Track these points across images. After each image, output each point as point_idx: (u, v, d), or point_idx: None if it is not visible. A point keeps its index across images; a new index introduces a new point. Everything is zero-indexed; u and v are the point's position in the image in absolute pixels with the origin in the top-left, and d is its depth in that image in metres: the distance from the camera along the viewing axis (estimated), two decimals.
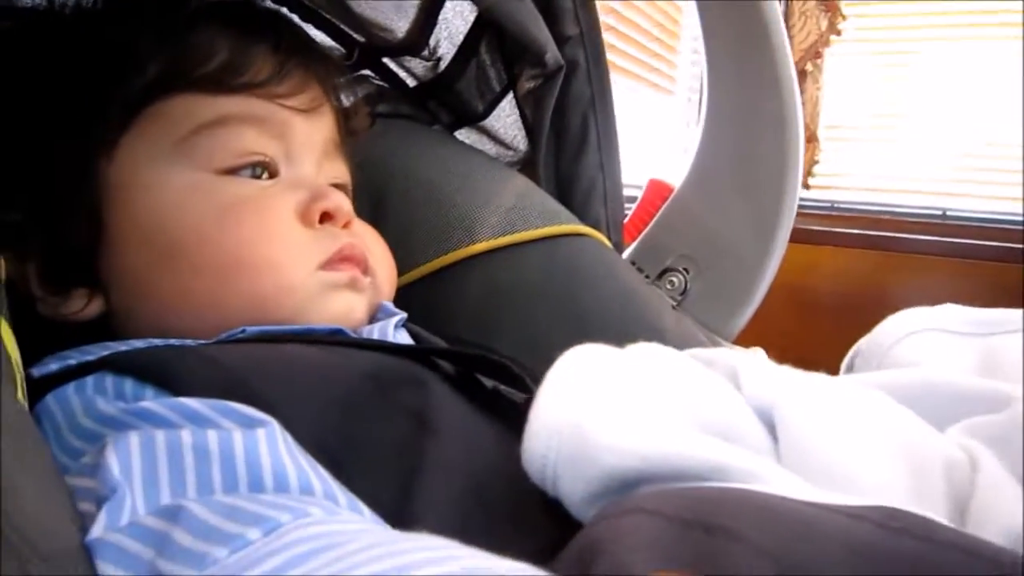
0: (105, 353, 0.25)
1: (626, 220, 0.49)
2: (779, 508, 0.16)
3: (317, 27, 0.50)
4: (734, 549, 0.14)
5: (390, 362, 0.28)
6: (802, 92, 3.38)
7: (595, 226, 0.47)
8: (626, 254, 0.48)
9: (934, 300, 0.30)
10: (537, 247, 0.43)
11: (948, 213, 2.00)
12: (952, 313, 0.28)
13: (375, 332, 0.32)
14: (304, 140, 0.34)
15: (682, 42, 2.70)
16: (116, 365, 0.24)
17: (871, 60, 2.66)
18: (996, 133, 2.06)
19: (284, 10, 0.47)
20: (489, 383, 0.28)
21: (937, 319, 0.27)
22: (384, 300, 0.36)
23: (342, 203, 0.33)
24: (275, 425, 0.21)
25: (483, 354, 0.29)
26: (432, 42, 0.50)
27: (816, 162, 3.24)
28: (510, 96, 0.51)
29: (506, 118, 0.52)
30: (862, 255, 2.08)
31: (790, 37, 3.12)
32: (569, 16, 0.46)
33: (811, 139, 3.24)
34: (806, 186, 3.28)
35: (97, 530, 0.17)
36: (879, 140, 2.61)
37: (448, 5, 0.48)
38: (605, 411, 0.20)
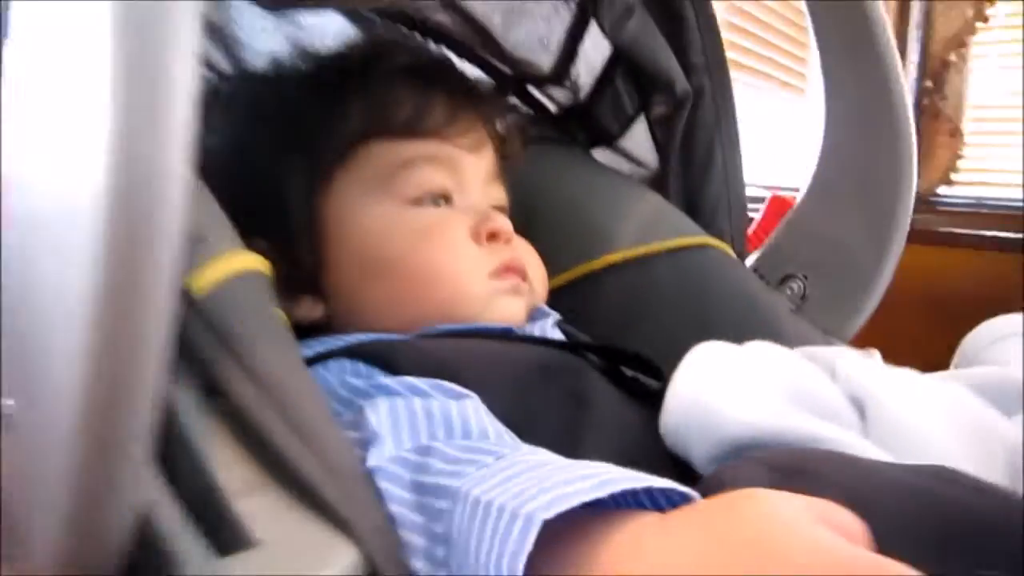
0: (341, 344, 0.33)
1: (750, 231, 0.53)
2: (855, 462, 0.22)
3: (469, 62, 0.58)
4: (816, 485, 0.19)
5: (552, 354, 0.34)
6: (945, 83, 3.22)
7: (720, 237, 0.52)
8: (749, 262, 0.53)
9: None
10: (668, 257, 0.49)
11: None
12: None
13: (536, 330, 0.39)
14: (472, 172, 0.41)
15: (812, 39, 2.63)
16: (352, 352, 0.32)
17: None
18: None
19: (444, 48, 0.55)
20: (630, 373, 0.34)
21: None
22: (539, 303, 0.42)
23: (504, 223, 0.40)
24: (476, 398, 0.28)
25: (625, 349, 0.35)
26: (573, 73, 0.56)
27: (960, 157, 3.07)
28: (642, 118, 0.57)
29: (639, 138, 0.58)
30: (1010, 259, 1.96)
31: (932, 26, 2.97)
32: (696, 47, 0.51)
33: (954, 133, 3.07)
34: (949, 182, 3.12)
35: (371, 460, 0.24)
36: None
37: (588, 42, 0.54)
38: (726, 392, 0.26)
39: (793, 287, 0.50)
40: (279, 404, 0.23)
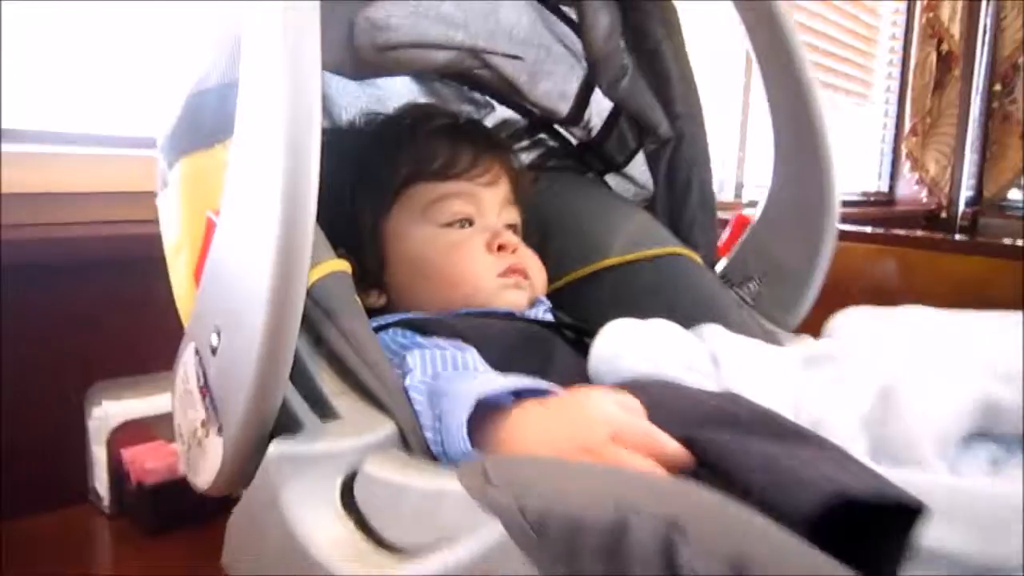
0: (394, 319, 0.50)
1: (721, 243, 0.68)
2: (676, 386, 0.37)
3: (508, 107, 0.74)
4: (641, 393, 0.35)
5: (535, 329, 0.51)
6: (1015, 86, 3.19)
7: (695, 248, 0.66)
8: (719, 267, 0.67)
9: None
10: (648, 263, 0.64)
11: None
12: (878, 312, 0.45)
13: (532, 314, 0.55)
14: (488, 201, 0.58)
15: (879, 47, 2.69)
16: (401, 324, 0.49)
17: None
18: None
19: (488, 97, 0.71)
20: (589, 340, 0.50)
21: (861, 314, 0.45)
22: (539, 295, 0.59)
23: (511, 239, 0.57)
24: (475, 351, 0.44)
25: (583, 324, 0.52)
26: (586, 117, 0.72)
27: None
28: (642, 151, 0.72)
29: (640, 167, 0.73)
30: None
31: (1001, 29, 2.95)
32: (678, 100, 0.66)
33: None
34: (1019, 187, 3.10)
35: (407, 381, 0.41)
36: None
37: (597, 94, 0.70)
38: (624, 349, 0.41)
39: (751, 287, 0.65)
40: (356, 348, 0.39)
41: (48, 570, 0.66)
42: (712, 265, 0.67)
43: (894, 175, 2.94)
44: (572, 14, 0.66)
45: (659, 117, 0.66)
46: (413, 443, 0.37)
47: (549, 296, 0.64)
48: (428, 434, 0.37)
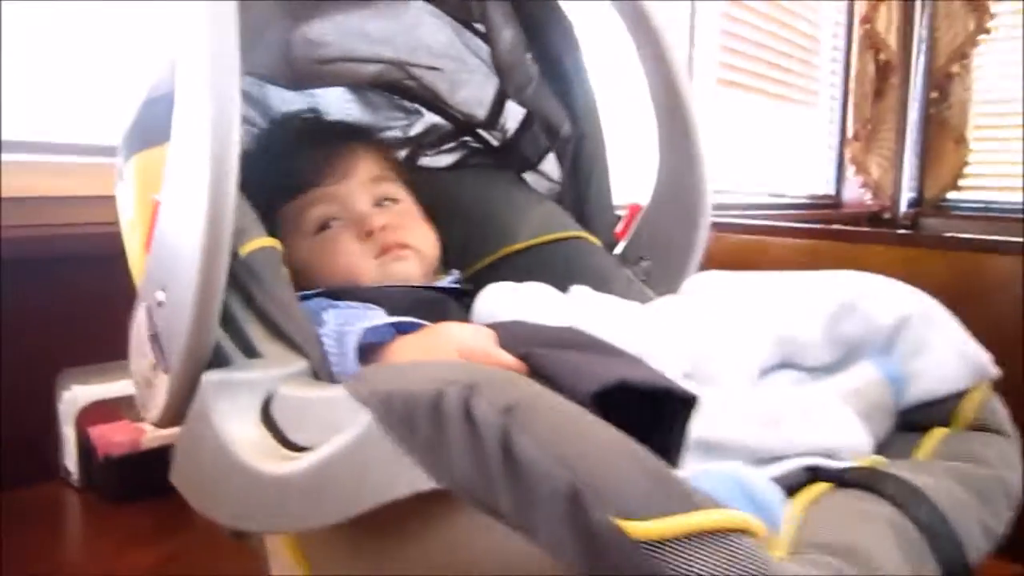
0: (315, 292, 0.58)
1: (619, 228, 0.77)
2: (527, 323, 0.46)
3: (434, 113, 0.83)
4: (496, 327, 0.44)
5: (433, 294, 0.60)
6: (950, 95, 3.35)
7: (595, 233, 0.76)
8: (618, 249, 0.77)
9: None
10: (552, 245, 0.73)
11: None
12: None
13: (438, 283, 0.64)
14: (347, 194, 0.65)
15: (821, 56, 2.83)
16: (322, 294, 0.57)
17: None
18: None
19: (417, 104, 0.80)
20: None
21: None
22: (429, 261, 0.66)
23: (376, 222, 0.63)
24: (381, 311, 0.53)
25: (473, 289, 0.61)
26: (501, 121, 0.81)
27: (966, 163, 3.19)
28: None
29: (552, 164, 0.82)
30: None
31: (936, 39, 3.10)
32: (578, 102, 0.76)
33: (959, 140, 3.20)
34: (956, 188, 3.24)
35: (320, 330, 0.49)
36: None
37: (510, 101, 0.79)
38: (495, 306, 0.51)
39: (643, 265, 0.74)
40: (278, 306, 0.48)
41: (24, 539, 0.74)
42: (611, 247, 0.76)
43: (840, 179, 3.07)
44: (484, 30, 0.75)
45: (562, 118, 0.76)
46: (323, 377, 0.46)
47: (468, 279, 0.74)
48: (335, 368, 0.46)
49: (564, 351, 0.39)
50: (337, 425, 0.37)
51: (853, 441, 0.42)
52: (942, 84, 3.09)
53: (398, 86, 0.79)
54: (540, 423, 0.28)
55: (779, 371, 0.50)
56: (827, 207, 2.96)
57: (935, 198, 3.21)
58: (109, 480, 0.82)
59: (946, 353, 0.48)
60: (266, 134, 0.72)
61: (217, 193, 0.41)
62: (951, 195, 3.21)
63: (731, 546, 0.26)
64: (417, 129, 0.84)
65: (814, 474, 0.41)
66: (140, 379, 0.48)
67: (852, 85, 2.92)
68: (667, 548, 0.26)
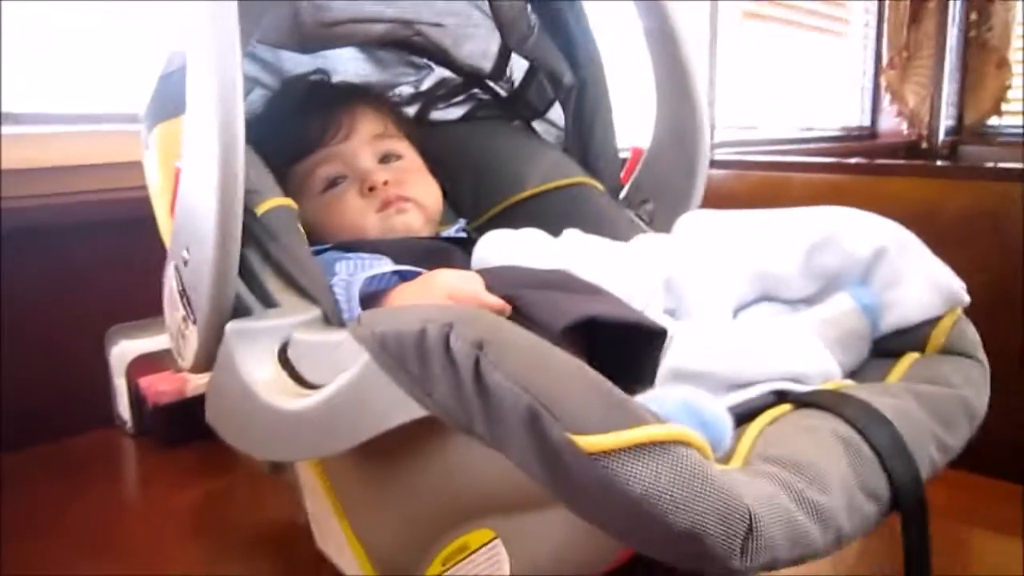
0: (329, 245, 0.63)
1: (623, 172, 0.80)
2: (516, 267, 0.50)
3: (444, 67, 0.86)
4: (485, 273, 0.48)
5: (439, 243, 0.63)
6: (992, 15, 3.25)
7: (600, 178, 0.79)
8: (623, 193, 0.80)
9: None
10: (557, 191, 0.77)
11: None
12: None
13: (444, 233, 0.68)
14: (352, 152, 0.69)
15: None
16: (335, 247, 0.62)
17: None
18: None
19: (422, 63, 0.83)
20: None
21: None
22: (430, 213, 0.69)
23: (380, 176, 0.66)
24: (388, 259, 0.57)
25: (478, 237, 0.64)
26: (508, 72, 0.84)
27: (1008, 87, 3.09)
28: None
29: (559, 113, 0.85)
30: None
31: None
32: (579, 51, 0.78)
33: (1001, 64, 3.10)
34: (998, 114, 3.15)
35: (331, 280, 0.54)
36: None
37: (514, 55, 0.81)
38: (494, 250, 0.54)
39: (647, 208, 0.77)
40: (293, 259, 0.53)
41: (87, 481, 0.82)
42: (616, 191, 0.79)
43: (875, 109, 3.00)
44: None
45: (563, 68, 0.78)
46: (333, 322, 0.50)
47: (480, 227, 0.77)
48: (344, 314, 0.50)
49: (545, 291, 0.43)
50: (342, 364, 0.41)
51: (820, 367, 0.46)
52: (983, 5, 2.98)
53: (406, 43, 0.82)
54: (506, 354, 0.32)
55: (760, 304, 0.53)
56: (862, 138, 2.90)
57: (975, 125, 3.12)
58: (159, 426, 0.89)
59: (920, 282, 0.51)
60: (274, 99, 0.76)
61: (226, 159, 0.45)
62: (992, 121, 3.11)
63: (672, 455, 0.30)
64: (428, 83, 0.87)
65: (782, 397, 0.44)
66: (174, 331, 0.54)
67: (887, 12, 2.83)
68: (615, 458, 0.30)
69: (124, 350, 0.92)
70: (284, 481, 0.66)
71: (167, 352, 0.93)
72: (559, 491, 0.32)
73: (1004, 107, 3.04)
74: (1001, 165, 1.61)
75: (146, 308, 0.90)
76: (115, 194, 0.95)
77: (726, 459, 0.37)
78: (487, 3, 0.78)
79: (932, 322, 0.51)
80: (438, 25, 0.79)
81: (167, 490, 0.82)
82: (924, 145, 2.92)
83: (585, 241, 0.56)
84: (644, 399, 0.33)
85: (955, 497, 0.76)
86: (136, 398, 0.91)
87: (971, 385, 0.47)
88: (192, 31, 0.47)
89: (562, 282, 0.46)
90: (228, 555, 0.68)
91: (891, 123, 2.92)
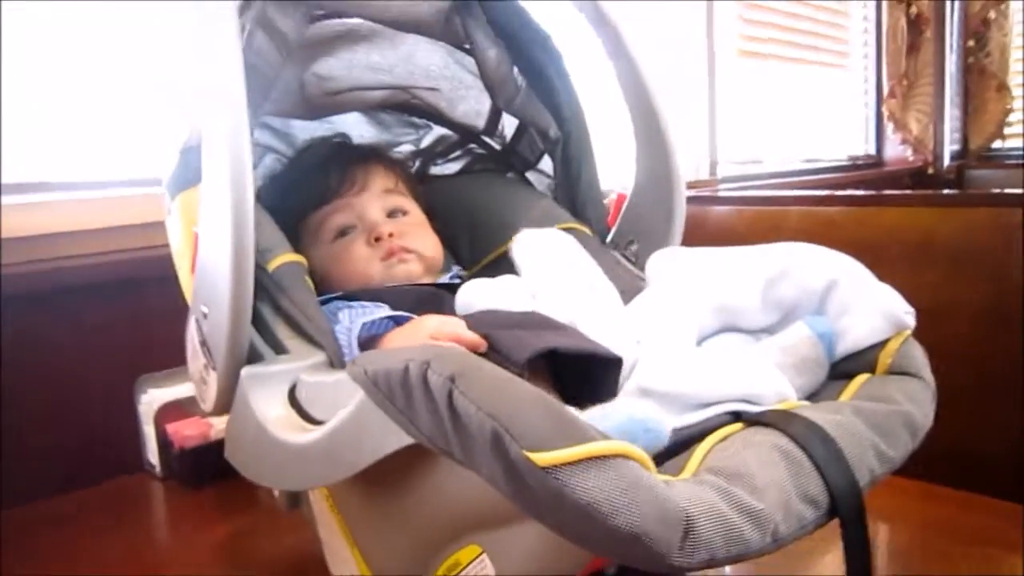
0: (335, 295, 0.69)
1: (609, 216, 0.86)
2: (495, 311, 0.55)
3: (441, 126, 0.93)
4: (467, 318, 0.53)
5: (433, 291, 0.69)
6: (988, 40, 3.30)
7: (587, 223, 0.85)
8: (610, 236, 0.85)
9: None
10: None
11: None
12: None
13: (441, 279, 0.74)
14: (363, 205, 0.75)
15: (850, 16, 2.82)
16: (338, 297, 0.68)
17: None
18: None
19: (421, 123, 0.90)
20: None
21: None
22: (430, 263, 0.75)
23: (383, 229, 0.72)
24: (387, 307, 0.63)
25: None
26: (499, 128, 0.90)
27: (1010, 110, 3.13)
28: None
29: (549, 163, 0.91)
30: None
31: None
32: (564, 106, 0.84)
33: (1001, 88, 3.13)
34: (1002, 137, 3.18)
35: (336, 328, 0.59)
36: None
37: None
38: (476, 296, 0.60)
39: (632, 248, 0.83)
40: (301, 310, 0.59)
41: (119, 522, 0.88)
42: (604, 234, 0.85)
43: (880, 137, 3.05)
44: None
45: (549, 122, 0.84)
46: (337, 365, 0.56)
47: (476, 273, 0.83)
48: (346, 357, 0.56)
49: (514, 330, 0.48)
50: (342, 401, 0.47)
51: (774, 389, 0.51)
52: (978, 30, 3.04)
53: (405, 106, 0.89)
54: (474, 385, 0.38)
55: (723, 334, 0.58)
56: (869, 167, 2.94)
57: (980, 149, 3.15)
58: (185, 469, 0.95)
59: (869, 310, 0.56)
60: (297, 156, 0.83)
61: (239, 227, 0.52)
62: (996, 144, 3.14)
63: (615, 467, 0.35)
64: (427, 141, 0.94)
65: (736, 417, 0.49)
66: (196, 378, 0.60)
67: (885, 42, 2.89)
68: (565, 471, 0.35)
69: (152, 398, 0.99)
70: (300, 515, 0.71)
71: (191, 399, 1.00)
72: (522, 503, 0.37)
73: (1007, 130, 3.07)
74: (995, 191, 1.65)
75: (160, 359, 0.97)
76: (118, 255, 1.03)
77: (678, 472, 0.42)
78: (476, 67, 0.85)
79: (881, 345, 0.55)
80: (433, 89, 0.86)
81: (193, 528, 0.88)
82: (930, 171, 2.96)
83: (558, 288, 0.62)
84: (593, 413, 0.39)
85: (956, 516, 0.79)
86: (164, 443, 0.97)
87: (913, 401, 0.51)
88: (205, 111, 0.54)
89: (532, 321, 0.51)
90: None
91: (896, 150, 2.96)
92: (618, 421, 0.38)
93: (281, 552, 0.79)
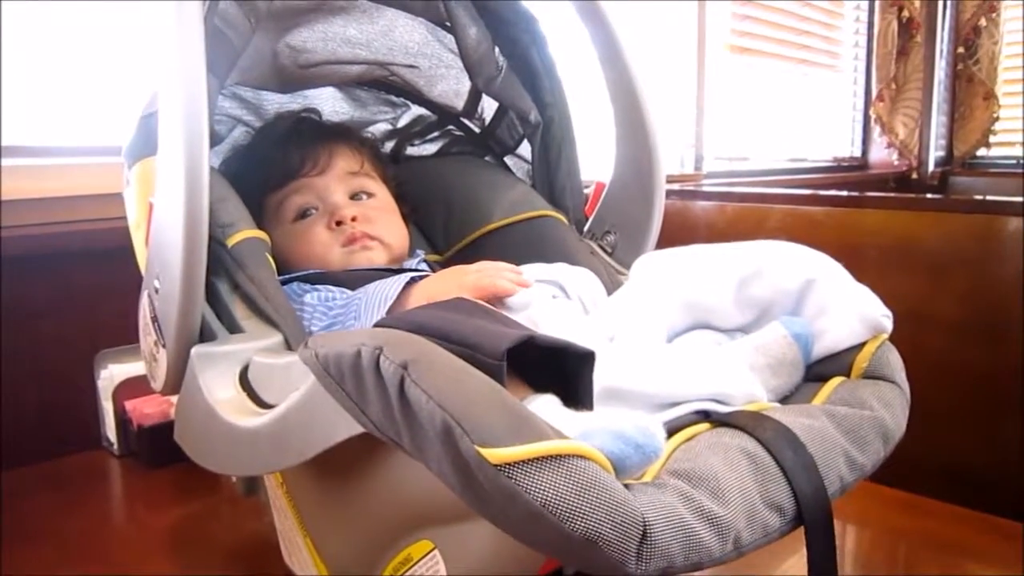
0: (295, 275, 0.66)
1: (587, 205, 0.84)
2: (474, 304, 0.53)
3: (419, 105, 0.90)
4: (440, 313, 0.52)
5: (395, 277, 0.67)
6: (978, 48, 3.31)
7: (564, 211, 0.83)
8: (587, 225, 0.83)
9: None
10: (523, 223, 0.80)
11: None
12: None
13: (406, 265, 0.71)
14: (325, 186, 0.72)
15: (843, 18, 2.81)
16: (299, 279, 0.65)
17: None
18: None
19: (399, 102, 0.88)
20: None
21: None
22: (395, 252, 0.73)
23: (345, 213, 0.70)
24: (349, 291, 0.61)
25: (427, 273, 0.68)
26: (479, 110, 0.88)
27: (996, 119, 3.14)
28: None
29: (528, 148, 0.89)
30: None
31: None
32: (545, 91, 0.82)
33: (988, 96, 3.14)
34: (987, 145, 3.19)
35: (298, 306, 0.57)
36: None
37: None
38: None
39: (609, 238, 0.81)
40: (259, 289, 0.56)
41: (73, 499, 0.85)
42: (581, 223, 0.83)
43: (866, 140, 3.05)
44: None
45: (529, 106, 0.82)
46: (295, 347, 0.54)
47: (451, 257, 0.81)
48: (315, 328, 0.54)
49: (485, 320, 0.46)
50: (294, 385, 0.45)
51: (744, 389, 0.49)
52: (969, 38, 3.04)
53: (382, 82, 0.86)
54: (428, 375, 0.36)
55: (696, 331, 0.56)
56: (853, 169, 2.94)
57: (965, 156, 3.16)
58: (143, 447, 0.92)
59: (847, 311, 0.54)
60: (261, 131, 0.80)
61: (192, 198, 0.49)
62: (981, 152, 3.15)
63: (571, 467, 0.33)
64: (404, 120, 0.91)
65: (705, 417, 0.47)
66: (147, 354, 0.57)
67: (875, 45, 2.89)
68: (518, 469, 0.33)
69: (112, 374, 0.95)
70: (256, 501, 0.69)
71: None
72: (471, 501, 0.35)
73: (992, 139, 3.08)
74: (978, 198, 1.65)
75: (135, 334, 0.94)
76: (109, 223, 1.00)
77: (640, 474, 0.41)
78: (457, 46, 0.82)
79: (858, 348, 0.54)
80: (411, 67, 0.83)
81: (150, 509, 0.85)
82: (915, 176, 2.96)
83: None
84: (586, 431, 0.37)
85: (956, 533, 0.78)
86: (122, 420, 0.94)
87: (888, 407, 0.50)
88: (162, 75, 0.51)
89: (480, 311, 0.49)
90: (203, 571, 0.71)
91: (882, 154, 2.96)
92: (602, 442, 0.36)
93: (236, 538, 0.77)
